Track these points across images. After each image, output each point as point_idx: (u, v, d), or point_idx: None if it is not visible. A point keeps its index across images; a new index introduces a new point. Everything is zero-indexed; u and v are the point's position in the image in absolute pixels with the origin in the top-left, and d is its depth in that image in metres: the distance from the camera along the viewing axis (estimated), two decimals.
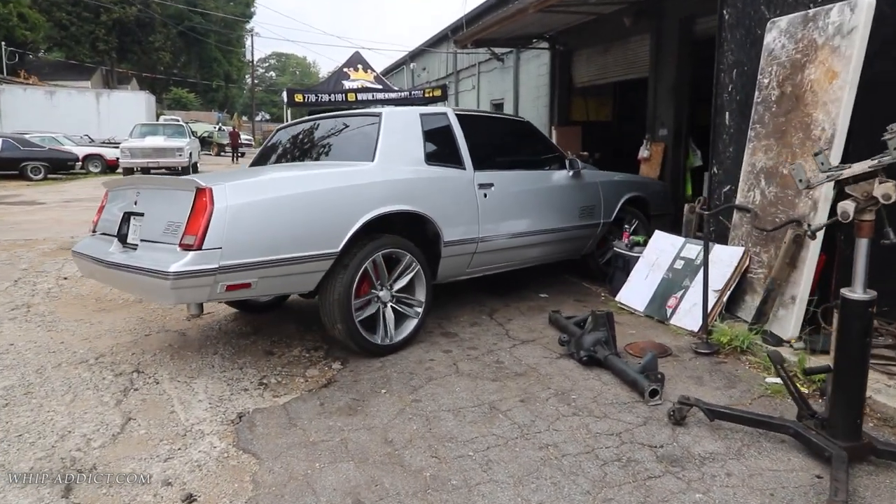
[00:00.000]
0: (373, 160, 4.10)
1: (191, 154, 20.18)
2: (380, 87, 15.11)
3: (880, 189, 2.33)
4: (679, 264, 4.83)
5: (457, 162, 4.51)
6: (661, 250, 5.07)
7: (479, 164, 4.60)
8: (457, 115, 4.69)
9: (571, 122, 12.17)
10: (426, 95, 14.93)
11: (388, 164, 4.12)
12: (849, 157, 3.69)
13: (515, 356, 4.00)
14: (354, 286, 3.77)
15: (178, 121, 24.93)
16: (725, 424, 2.98)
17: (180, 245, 3.27)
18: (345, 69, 15.30)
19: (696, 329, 4.31)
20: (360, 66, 15.18)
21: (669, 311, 4.64)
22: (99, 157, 21.49)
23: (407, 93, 16.04)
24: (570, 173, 5.34)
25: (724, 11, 4.95)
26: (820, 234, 3.74)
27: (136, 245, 3.65)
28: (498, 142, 5.20)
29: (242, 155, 32.29)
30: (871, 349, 2.64)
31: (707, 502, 2.40)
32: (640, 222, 5.98)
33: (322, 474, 2.61)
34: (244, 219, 3.36)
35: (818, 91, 3.91)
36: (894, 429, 3.01)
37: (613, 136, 12.20)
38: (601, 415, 3.15)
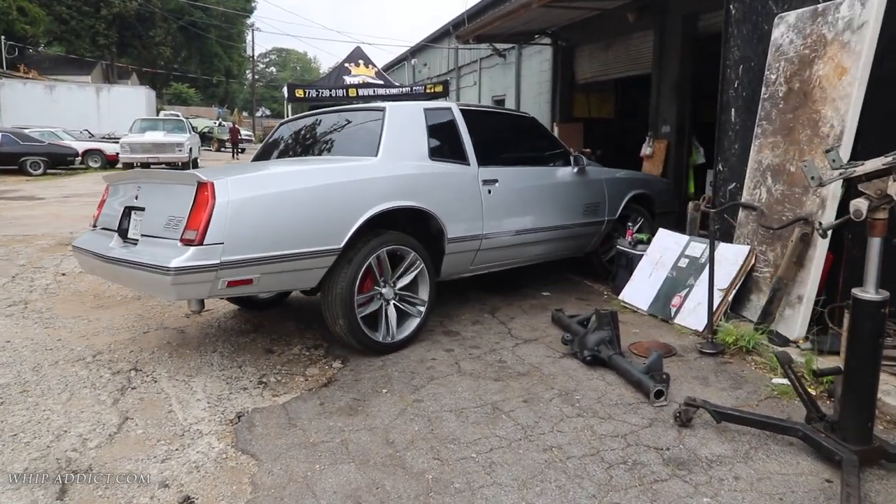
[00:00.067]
0: (376, 155, 4.04)
1: (191, 149, 20.12)
2: (381, 82, 15.06)
3: (895, 187, 2.28)
4: (683, 263, 4.78)
5: (461, 157, 4.45)
6: (665, 248, 5.01)
7: (483, 160, 4.54)
8: (461, 110, 4.64)
9: (573, 119, 12.11)
10: (427, 91, 14.87)
11: (392, 160, 4.06)
12: (857, 154, 3.63)
13: (518, 355, 3.95)
14: (357, 282, 3.72)
15: (178, 116, 24.80)
16: (732, 426, 2.93)
17: (181, 240, 3.22)
18: (346, 64, 15.26)
19: (700, 328, 4.26)
20: (361, 62, 15.13)
21: (673, 310, 4.59)
22: (99, 152, 21.42)
23: (408, 88, 15.98)
24: (575, 170, 5.28)
25: (731, 6, 4.89)
26: (827, 234, 3.69)
27: (137, 240, 3.60)
28: (502, 137, 5.14)
29: (242, 151, 32.20)
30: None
31: None
32: (645, 220, 5.93)
33: (322, 476, 2.56)
34: (246, 214, 3.31)
35: (827, 87, 3.85)
36: None
37: (615, 133, 12.14)
38: (606, 416, 3.10)
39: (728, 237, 4.66)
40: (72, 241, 4.27)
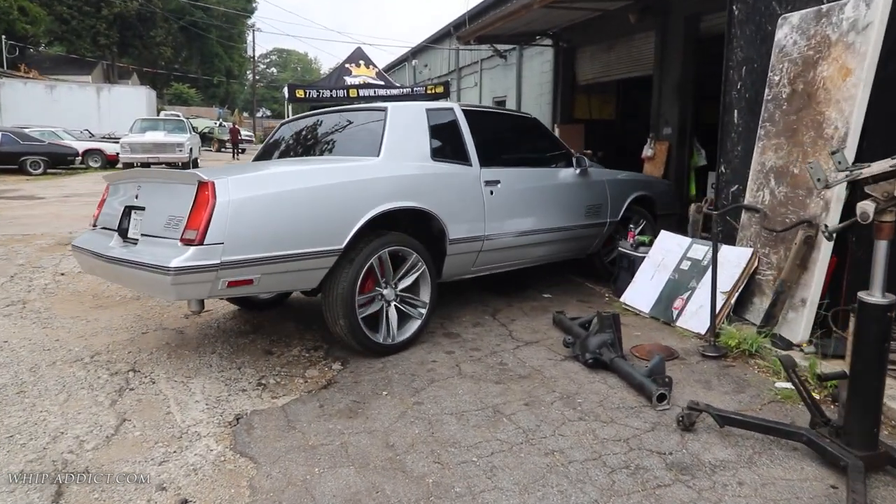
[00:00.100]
0: (378, 155, 4.02)
1: (191, 150, 20.10)
2: (382, 83, 15.04)
3: None
4: (685, 265, 4.75)
5: (463, 158, 4.43)
6: (667, 250, 4.99)
7: (485, 161, 4.52)
8: (463, 110, 4.61)
9: (574, 120, 12.09)
10: (428, 92, 14.85)
11: (394, 160, 4.04)
12: (862, 156, 3.61)
13: (519, 358, 3.92)
14: (359, 282, 3.70)
15: (178, 116, 24.80)
16: (736, 431, 2.90)
17: (181, 240, 3.20)
18: (346, 65, 15.23)
19: (702, 331, 4.23)
20: (361, 62, 15.11)
21: (675, 312, 4.56)
22: (99, 151, 21.39)
23: (409, 89, 15.96)
24: (577, 171, 5.26)
25: (734, 7, 4.86)
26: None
27: (137, 240, 3.57)
28: (505, 138, 5.12)
29: (243, 151, 32.18)
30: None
31: None
32: (648, 222, 5.90)
33: (321, 480, 2.53)
34: (247, 214, 3.28)
35: (831, 89, 3.82)
36: None
37: (616, 135, 12.12)
38: (608, 419, 3.07)
39: (730, 239, 4.63)
40: (71, 241, 4.25)
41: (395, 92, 14.75)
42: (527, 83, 15.11)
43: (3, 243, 7.46)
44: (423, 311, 4.08)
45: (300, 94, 14.33)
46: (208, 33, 50.19)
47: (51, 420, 3.03)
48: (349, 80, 14.64)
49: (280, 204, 3.43)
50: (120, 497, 2.41)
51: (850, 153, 3.62)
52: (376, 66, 15.88)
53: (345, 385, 3.50)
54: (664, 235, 5.15)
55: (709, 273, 4.42)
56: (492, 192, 4.46)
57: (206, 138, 33.76)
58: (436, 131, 4.35)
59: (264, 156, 5.07)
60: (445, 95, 14.77)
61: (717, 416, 2.85)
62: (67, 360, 3.82)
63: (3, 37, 34.56)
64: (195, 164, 20.63)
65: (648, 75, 9.49)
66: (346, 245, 3.61)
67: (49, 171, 18.62)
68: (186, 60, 51.89)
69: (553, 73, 12.56)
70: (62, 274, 6.05)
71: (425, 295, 4.09)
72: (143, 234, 3.54)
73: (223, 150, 35.57)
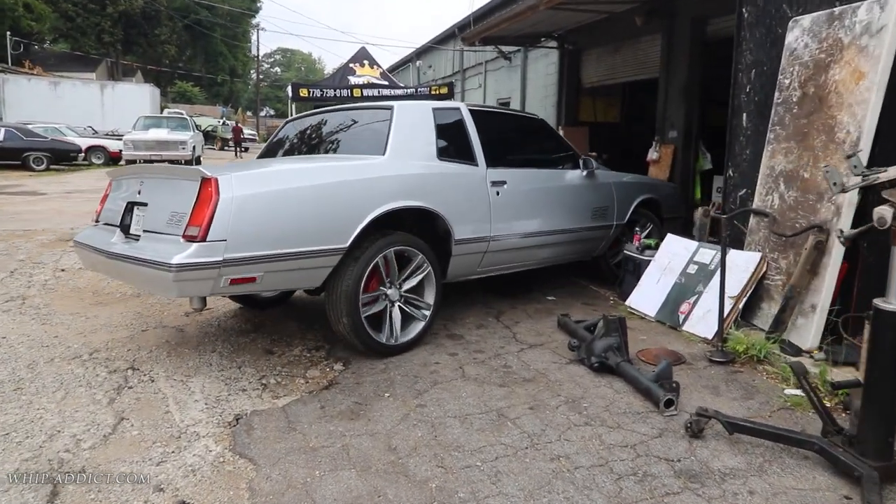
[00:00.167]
0: (384, 154, 3.97)
1: (194, 147, 20.07)
2: (385, 83, 15.00)
3: None
4: (692, 269, 4.69)
5: (469, 158, 4.38)
6: (674, 254, 4.93)
7: (491, 161, 4.47)
8: (470, 110, 4.56)
9: (579, 123, 12.03)
10: (432, 93, 14.81)
11: (400, 159, 3.99)
12: (875, 160, 3.55)
13: (523, 361, 3.87)
14: (363, 280, 3.65)
15: (182, 114, 24.77)
16: (745, 438, 2.85)
17: (184, 236, 3.15)
18: (350, 65, 15.19)
19: (709, 336, 4.17)
20: (366, 62, 15.06)
21: (682, 317, 4.50)
22: (102, 148, 21.37)
23: (413, 90, 15.91)
24: (584, 173, 5.21)
25: (744, 10, 4.81)
26: None
27: (139, 236, 3.53)
28: (511, 139, 5.07)
29: (246, 150, 32.15)
30: None
31: None
32: (654, 225, 5.85)
33: (322, 483, 2.48)
34: (250, 210, 3.24)
35: (843, 92, 3.77)
36: None
37: (621, 138, 12.06)
38: (614, 425, 3.01)
39: (738, 244, 4.58)
40: (72, 237, 4.20)
41: (398, 92, 14.71)
42: (531, 85, 15.07)
43: (4, 238, 7.42)
44: (427, 312, 4.03)
45: (304, 93, 14.29)
46: (213, 32, 50.24)
47: (48, 418, 2.98)
48: (353, 80, 14.59)
49: (284, 201, 3.38)
50: (117, 498, 2.35)
51: (862, 157, 3.56)
52: (380, 66, 15.85)
53: (346, 386, 3.45)
54: (670, 239, 5.10)
55: (716, 277, 4.37)
56: (498, 193, 4.41)
57: (209, 137, 33.73)
58: (442, 131, 4.30)
59: (268, 154, 5.03)
60: (450, 96, 14.72)
61: (726, 423, 2.80)
62: (66, 357, 3.77)
63: (8, 33, 34.56)
64: (198, 162, 20.58)
65: (654, 78, 9.43)
66: (350, 244, 3.56)
67: (52, 167, 18.59)
68: (190, 59, 51.95)
69: (558, 76, 12.51)
70: (62, 270, 6.01)
71: (430, 296, 4.04)
72: (145, 231, 3.49)
73: (226, 148, 35.53)
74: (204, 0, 45.37)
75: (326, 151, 4.61)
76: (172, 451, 2.70)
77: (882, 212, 2.29)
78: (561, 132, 11.48)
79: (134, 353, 3.87)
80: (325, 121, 4.88)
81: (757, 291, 4.25)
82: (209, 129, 35.78)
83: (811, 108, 4.00)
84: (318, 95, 14.04)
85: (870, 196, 3.67)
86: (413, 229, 4.02)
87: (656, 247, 5.21)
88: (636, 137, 11.08)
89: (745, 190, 4.74)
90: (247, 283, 3.33)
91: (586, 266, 6.01)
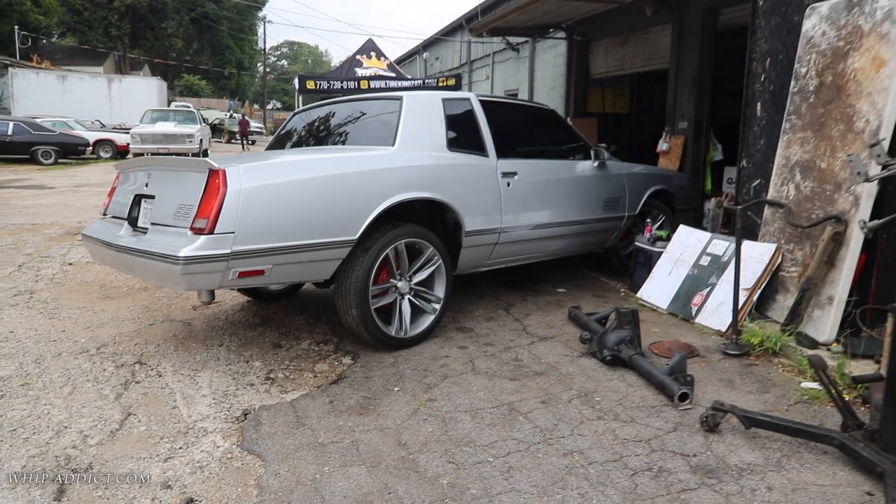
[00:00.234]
0: (393, 145, 3.91)
1: (201, 140, 20.08)
2: (393, 74, 14.93)
3: None
4: (705, 260, 4.62)
5: (479, 149, 4.32)
6: (686, 245, 4.86)
7: (502, 152, 4.41)
8: (480, 100, 4.49)
9: (587, 114, 11.93)
10: (440, 85, 14.72)
11: (409, 150, 3.93)
12: (893, 150, 3.47)
13: (534, 354, 3.81)
14: (374, 272, 3.61)
15: (189, 107, 24.81)
16: (762, 433, 2.79)
17: (191, 229, 3.11)
18: (357, 56, 15.12)
19: (723, 329, 4.11)
20: (373, 54, 14.99)
21: (695, 309, 4.43)
22: (110, 142, 21.38)
23: (420, 82, 15.83)
24: (596, 164, 5.14)
25: None
26: (860, 234, 3.53)
27: (147, 228, 3.49)
28: (522, 129, 5.01)
29: (253, 143, 32.14)
30: None
31: None
32: (666, 217, 5.77)
33: (331, 479, 2.44)
34: (258, 202, 3.19)
35: (862, 80, 3.68)
36: None
37: (630, 129, 11.96)
38: (628, 419, 2.96)
39: (752, 235, 4.50)
40: (80, 231, 4.17)
41: (406, 84, 14.64)
42: (539, 76, 14.95)
43: (13, 232, 7.42)
44: (437, 305, 3.99)
45: (311, 85, 14.24)
46: (219, 25, 50.18)
47: (55, 414, 2.95)
48: (360, 72, 14.53)
49: (292, 193, 3.33)
50: (124, 495, 2.32)
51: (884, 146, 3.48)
52: (387, 58, 15.77)
53: (355, 380, 3.41)
54: (683, 230, 5.02)
55: (729, 269, 4.30)
56: (509, 184, 4.35)
57: (216, 130, 33.74)
58: (452, 121, 4.24)
59: (276, 145, 4.98)
60: (457, 88, 14.63)
61: (743, 418, 2.74)
62: (73, 352, 3.75)
63: (16, 27, 34.64)
64: (205, 155, 20.58)
65: (664, 69, 9.31)
66: (359, 236, 3.52)
67: (60, 160, 18.62)
68: (197, 52, 51.88)
69: (566, 67, 12.39)
70: (70, 264, 5.99)
71: (440, 289, 3.99)
72: (152, 223, 3.46)
73: (233, 141, 35.54)
74: None
75: (335, 143, 4.56)
76: (180, 447, 2.66)
77: None
78: (570, 123, 11.40)
79: (141, 348, 3.85)
80: (334, 112, 4.82)
81: (771, 283, 4.18)
82: (216, 122, 35.79)
83: (829, 97, 3.92)
84: (326, 87, 13.99)
85: (889, 187, 3.60)
86: (423, 221, 3.97)
87: (668, 238, 5.14)
88: (645, 128, 10.97)
89: (759, 180, 4.66)
90: (255, 276, 3.29)
91: (596, 258, 5.96)
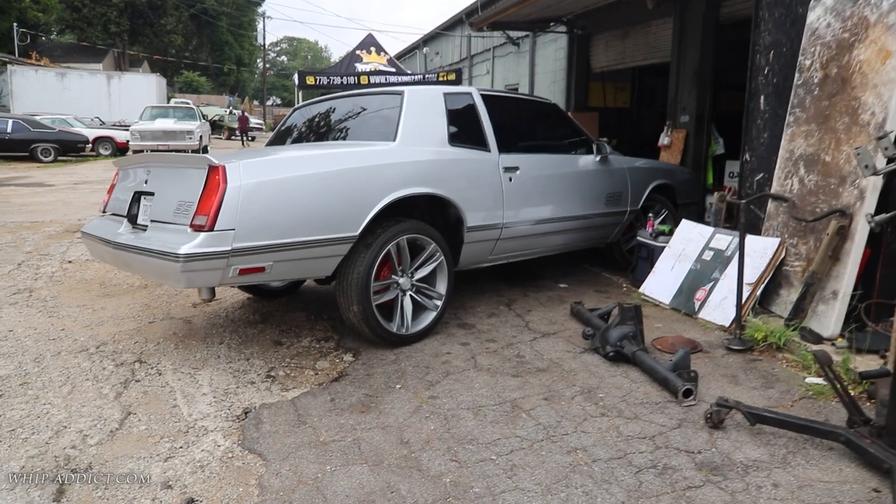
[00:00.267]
0: (394, 140, 3.88)
1: (201, 137, 20.04)
2: (393, 70, 14.88)
3: None
4: (708, 255, 4.59)
5: (481, 144, 4.28)
6: (689, 240, 4.83)
7: (504, 147, 4.37)
8: (482, 94, 4.46)
9: (588, 108, 11.89)
10: (440, 80, 14.67)
11: (411, 145, 3.90)
12: None
13: (536, 350, 3.79)
14: (375, 268, 3.58)
15: (188, 104, 24.72)
16: (766, 429, 2.77)
17: (191, 226, 3.08)
18: (357, 52, 15.06)
19: (726, 324, 4.08)
20: (373, 49, 14.94)
21: (697, 304, 4.41)
22: (109, 139, 21.34)
23: (420, 77, 15.76)
24: (598, 158, 5.10)
25: None
26: (865, 228, 3.50)
27: (146, 226, 3.46)
28: (524, 124, 4.97)
29: (253, 139, 32.09)
30: None
31: None
32: (669, 211, 5.74)
33: (333, 478, 2.41)
34: (258, 199, 3.16)
35: (868, 73, 3.64)
36: None
37: (631, 123, 11.91)
38: (632, 416, 2.93)
39: (755, 229, 4.47)
40: (80, 228, 4.14)
41: (406, 79, 14.58)
42: (540, 71, 14.90)
43: (12, 230, 7.40)
44: (439, 302, 3.96)
45: (311, 80, 14.20)
46: (218, 21, 50.05)
47: (54, 413, 2.93)
48: (360, 67, 14.48)
49: (293, 189, 3.30)
50: (124, 496, 2.30)
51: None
52: (387, 53, 15.72)
53: (357, 378, 3.38)
54: (685, 225, 4.99)
55: (732, 264, 4.28)
56: (510, 179, 4.32)
57: (216, 126, 33.67)
58: (453, 116, 4.20)
59: (277, 141, 4.95)
60: (457, 83, 14.58)
61: (748, 414, 2.72)
62: (73, 351, 3.72)
63: (15, 25, 34.56)
64: (205, 152, 20.56)
65: (665, 63, 9.26)
66: (361, 232, 3.49)
67: (59, 158, 18.59)
68: (197, 48, 51.76)
69: (567, 61, 12.34)
70: (70, 261, 5.97)
71: (441, 286, 3.97)
72: (152, 220, 3.43)
73: (233, 137, 35.48)
74: None
75: (336, 138, 4.53)
76: (180, 447, 2.64)
77: None
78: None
79: (141, 346, 3.82)
80: (334, 107, 4.79)
81: (775, 278, 4.15)
82: (216, 118, 35.72)
83: (833, 90, 3.88)
84: (325, 83, 13.95)
85: (894, 181, 3.56)
86: (424, 217, 3.94)
87: (670, 233, 5.11)
88: (647, 122, 10.92)
89: (762, 174, 4.63)
90: (256, 273, 3.27)
91: (597, 252, 5.93)
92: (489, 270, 5.11)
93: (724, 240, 4.55)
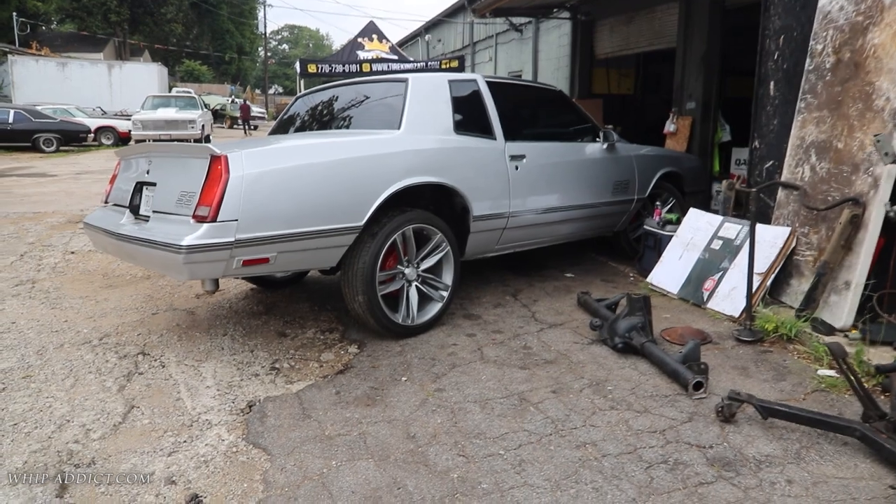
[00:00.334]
0: (399, 128, 3.81)
1: (203, 126, 19.95)
2: (395, 57, 14.76)
3: None
4: (717, 244, 4.53)
5: (487, 132, 4.22)
6: (697, 229, 4.76)
7: (510, 135, 4.30)
8: (487, 82, 4.38)
9: (593, 95, 11.78)
10: (442, 67, 14.55)
11: (415, 133, 3.84)
12: None
13: (544, 341, 3.74)
14: (381, 257, 3.53)
15: (190, 93, 24.63)
16: (779, 423, 2.71)
17: (194, 217, 3.03)
18: (359, 39, 14.94)
19: (735, 314, 4.03)
20: (374, 36, 14.82)
21: (706, 294, 4.35)
22: (111, 129, 21.26)
23: (423, 64, 15.64)
24: (605, 146, 5.03)
25: None
26: (879, 217, 3.44)
27: (149, 217, 3.41)
28: (530, 111, 4.90)
29: (255, 128, 31.98)
30: None
31: None
32: (676, 200, 5.67)
33: (339, 474, 2.37)
34: (262, 189, 3.11)
35: (883, 57, 3.56)
36: None
37: (636, 110, 11.80)
38: (641, 409, 2.89)
39: (764, 218, 4.40)
40: (82, 219, 4.10)
41: (408, 66, 14.46)
42: (543, 57, 14.77)
43: (14, 221, 7.36)
44: (445, 293, 3.91)
45: (312, 68, 14.10)
46: (219, 9, 49.75)
47: (57, 407, 2.89)
48: (362, 55, 14.37)
49: (297, 179, 3.24)
50: (127, 491, 2.27)
51: None
52: (389, 41, 15.59)
53: (362, 370, 3.34)
54: (693, 213, 4.93)
55: (742, 253, 4.22)
56: (517, 168, 4.25)
57: (218, 115, 33.55)
58: (459, 104, 4.13)
59: (280, 130, 4.88)
60: (460, 70, 14.46)
61: (760, 408, 2.67)
62: (75, 343, 3.69)
63: (15, 14, 34.39)
64: (207, 141, 20.47)
65: (670, 48, 9.15)
66: (366, 222, 3.44)
67: (62, 148, 18.54)
68: (198, 37, 51.47)
69: (571, 47, 12.23)
70: (72, 252, 5.93)
71: (448, 276, 3.92)
72: (154, 211, 3.38)
73: (235, 126, 35.36)
74: None
75: (339, 127, 4.46)
76: (184, 441, 2.61)
77: None
78: None
79: (144, 338, 3.79)
80: (337, 95, 4.72)
81: (786, 268, 4.09)
82: (218, 107, 35.57)
83: (846, 75, 3.80)
84: (327, 71, 13.86)
85: None
86: (430, 206, 3.88)
87: (678, 222, 5.04)
88: (651, 109, 10.81)
89: (772, 162, 4.56)
90: (260, 265, 3.22)
91: (604, 242, 5.87)
92: (494, 260, 5.06)
93: (734, 229, 4.49)
